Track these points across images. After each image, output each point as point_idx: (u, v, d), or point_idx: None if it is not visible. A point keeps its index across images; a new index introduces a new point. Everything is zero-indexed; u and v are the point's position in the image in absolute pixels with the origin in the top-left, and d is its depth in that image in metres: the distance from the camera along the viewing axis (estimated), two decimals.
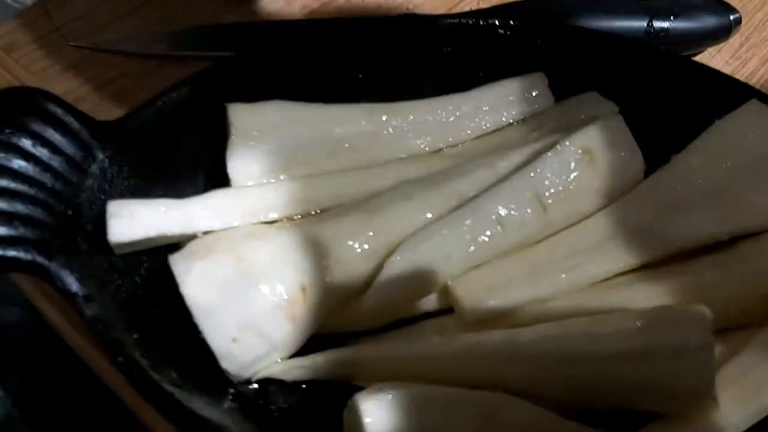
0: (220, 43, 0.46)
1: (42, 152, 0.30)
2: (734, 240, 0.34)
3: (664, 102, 0.38)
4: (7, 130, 0.29)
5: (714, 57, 0.49)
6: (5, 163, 0.28)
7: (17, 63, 0.45)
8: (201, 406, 0.27)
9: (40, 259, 0.27)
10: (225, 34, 0.47)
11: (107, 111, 0.43)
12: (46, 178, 0.29)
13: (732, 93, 0.36)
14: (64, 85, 0.44)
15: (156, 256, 0.32)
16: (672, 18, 0.45)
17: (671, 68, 0.38)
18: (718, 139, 0.34)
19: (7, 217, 0.27)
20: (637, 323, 0.29)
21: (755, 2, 0.53)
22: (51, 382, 0.43)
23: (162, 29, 0.47)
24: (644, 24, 0.45)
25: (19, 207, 0.28)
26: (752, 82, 0.48)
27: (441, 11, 0.49)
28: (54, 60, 0.46)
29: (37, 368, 0.44)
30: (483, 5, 0.50)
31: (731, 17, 0.46)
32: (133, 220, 0.30)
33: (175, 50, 0.46)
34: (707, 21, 0.46)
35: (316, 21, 0.48)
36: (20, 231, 0.27)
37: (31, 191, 0.29)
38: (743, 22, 0.50)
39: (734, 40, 0.49)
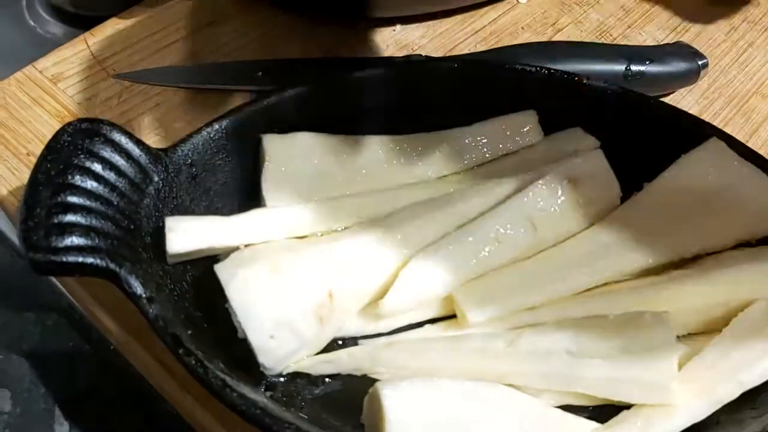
0: (244, 77, 0.51)
1: (110, 175, 0.34)
2: (698, 257, 0.39)
3: (638, 138, 0.43)
4: (82, 156, 0.34)
5: (684, 97, 0.55)
6: (81, 184, 0.33)
7: (64, 93, 0.50)
8: (248, 391, 0.32)
9: (112, 265, 0.32)
10: (249, 70, 0.52)
11: (146, 137, 0.48)
12: (114, 197, 0.34)
13: (696, 131, 0.42)
14: (106, 113, 0.49)
15: (198, 266, 0.37)
16: (647, 63, 0.51)
17: (645, 109, 0.43)
18: (683, 171, 0.40)
19: (85, 230, 0.32)
20: (615, 325, 0.34)
21: (722, 48, 0.58)
22: (91, 381, 0.47)
23: (192, 64, 0.53)
24: (623, 68, 0.50)
25: (93, 221, 0.32)
26: (719, 119, 0.54)
27: (441, 53, 0.55)
28: (96, 90, 0.50)
29: (77, 369, 0.48)
30: (479, 48, 0.56)
31: (699, 62, 0.52)
32: (187, 234, 0.35)
33: (204, 83, 0.51)
34: (678, 65, 0.51)
35: (332, 59, 0.53)
36: (95, 241, 0.32)
37: (102, 208, 0.33)
38: (711, 65, 0.56)
39: (703, 81, 0.55)
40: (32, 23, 0.68)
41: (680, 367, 0.35)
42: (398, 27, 0.57)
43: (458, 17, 0.58)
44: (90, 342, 0.47)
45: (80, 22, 0.65)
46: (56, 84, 0.50)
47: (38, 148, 0.46)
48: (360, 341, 0.38)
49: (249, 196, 0.40)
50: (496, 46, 0.56)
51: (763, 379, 0.34)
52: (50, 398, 0.47)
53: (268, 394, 0.35)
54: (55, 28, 0.67)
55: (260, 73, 0.51)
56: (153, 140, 0.48)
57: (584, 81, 0.44)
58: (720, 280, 0.37)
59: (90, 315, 0.42)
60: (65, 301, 0.48)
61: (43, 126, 0.48)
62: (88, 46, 0.53)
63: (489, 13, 0.59)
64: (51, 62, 0.52)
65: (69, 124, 0.35)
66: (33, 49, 0.65)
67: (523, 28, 0.58)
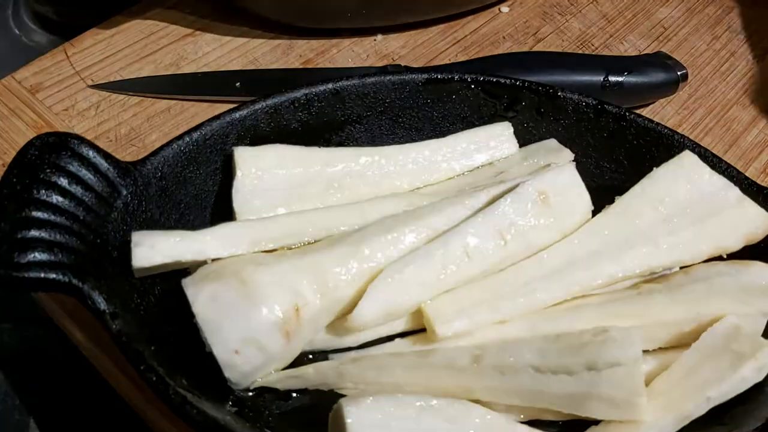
0: (223, 88, 0.51)
1: (76, 189, 0.34)
2: (669, 271, 0.39)
3: (612, 150, 0.43)
4: (48, 171, 0.34)
5: (665, 107, 0.55)
6: (46, 198, 0.33)
7: (42, 103, 0.50)
8: (210, 408, 0.32)
9: (75, 281, 0.32)
10: (228, 80, 0.52)
11: (122, 148, 0.49)
12: (80, 212, 0.34)
13: (669, 144, 0.42)
14: (83, 124, 0.49)
15: (168, 280, 0.37)
16: (626, 73, 0.50)
17: (619, 120, 0.43)
18: (655, 184, 0.39)
19: (48, 245, 0.32)
20: (580, 341, 0.34)
21: (704, 58, 0.58)
22: (66, 392, 0.47)
23: (172, 74, 0.53)
24: (601, 78, 0.50)
25: (57, 236, 0.32)
26: (699, 129, 0.54)
27: (421, 63, 0.55)
28: (74, 101, 0.50)
29: (53, 380, 0.48)
30: (461, 57, 0.56)
31: (678, 73, 0.52)
32: (153, 249, 0.34)
33: (182, 94, 0.51)
34: (657, 76, 0.51)
35: (310, 70, 0.53)
36: (59, 257, 0.32)
37: (68, 223, 0.33)
38: (692, 75, 0.56)
39: (683, 91, 0.55)
40: (17, 32, 0.68)
41: (648, 382, 0.35)
42: (379, 37, 0.57)
43: (440, 27, 0.58)
44: (66, 353, 0.47)
45: (64, 31, 0.65)
46: (34, 94, 0.50)
47: None
48: (330, 355, 0.37)
49: (221, 209, 0.40)
50: (477, 56, 0.56)
51: (731, 395, 0.34)
52: (25, 410, 0.46)
53: (235, 409, 0.35)
54: (40, 36, 0.67)
55: (239, 83, 0.51)
56: (129, 151, 0.48)
57: (559, 93, 0.44)
58: (690, 294, 0.37)
59: (62, 327, 0.42)
60: (42, 312, 0.48)
61: (19, 137, 0.48)
62: (67, 57, 0.53)
63: (470, 23, 0.59)
64: (30, 72, 0.52)
65: (36, 137, 0.35)
66: (17, 58, 0.65)
67: (504, 37, 0.58)
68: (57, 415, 0.46)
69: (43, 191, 0.33)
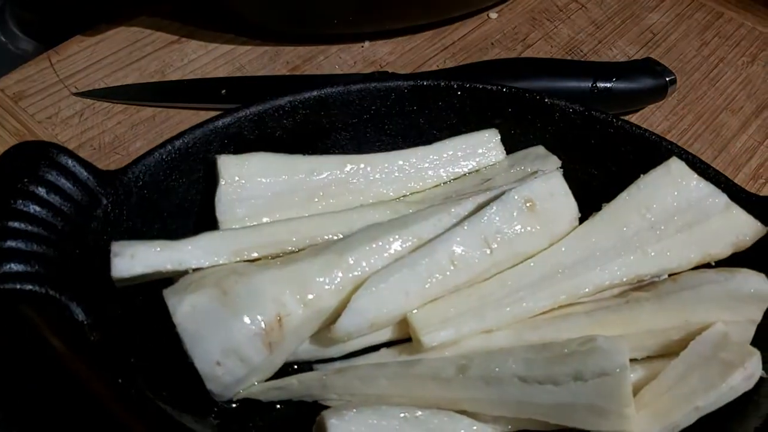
0: (209, 95, 0.51)
1: (54, 199, 0.34)
2: (656, 279, 0.38)
3: (600, 157, 0.42)
4: (25, 180, 0.33)
5: (654, 113, 0.54)
6: (23, 208, 0.33)
7: (25, 111, 0.49)
8: (189, 421, 0.31)
9: (52, 292, 0.31)
10: (214, 88, 0.52)
11: (106, 156, 0.48)
12: (58, 222, 0.33)
13: (657, 151, 0.41)
14: (67, 132, 0.49)
15: (149, 290, 0.37)
16: (614, 79, 0.50)
17: (606, 127, 0.43)
18: (642, 191, 0.39)
19: (24, 256, 0.31)
20: (566, 351, 0.34)
21: (693, 63, 0.58)
22: (49, 404, 0.46)
23: (156, 82, 0.52)
24: (589, 84, 0.50)
25: (34, 247, 0.32)
26: (687, 135, 0.54)
27: (409, 69, 0.55)
28: (58, 109, 0.50)
29: (36, 392, 0.47)
30: (449, 64, 0.56)
31: (667, 79, 0.52)
32: (133, 259, 0.34)
33: (167, 101, 0.51)
34: (645, 82, 0.51)
35: (297, 77, 0.53)
36: (36, 268, 0.31)
37: (45, 233, 0.33)
38: (681, 81, 0.56)
39: (672, 97, 0.55)
40: (3, 39, 0.67)
41: (636, 391, 0.34)
42: (366, 43, 0.56)
43: (428, 33, 0.58)
44: (47, 364, 0.47)
45: (51, 39, 0.65)
46: (17, 102, 0.50)
47: None
48: (314, 366, 0.37)
49: (204, 218, 0.40)
50: (465, 62, 0.55)
51: (720, 405, 0.34)
52: (6, 421, 0.46)
53: (217, 421, 0.34)
54: (26, 44, 0.67)
55: (224, 91, 0.51)
56: (113, 159, 0.47)
57: (546, 99, 0.43)
58: (678, 302, 0.36)
59: (42, 338, 0.41)
60: (23, 323, 0.47)
61: (1, 145, 0.48)
62: (51, 64, 0.52)
63: (459, 29, 0.59)
64: (13, 80, 0.51)
65: (14, 147, 0.35)
66: (2, 65, 0.65)
67: (493, 43, 0.58)
68: (39, 426, 0.45)
69: (20, 201, 0.33)
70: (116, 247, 0.34)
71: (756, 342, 0.36)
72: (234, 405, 0.35)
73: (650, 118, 0.54)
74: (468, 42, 0.58)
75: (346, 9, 0.53)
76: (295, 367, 0.37)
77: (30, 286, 0.31)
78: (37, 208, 0.33)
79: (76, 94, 0.51)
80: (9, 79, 0.52)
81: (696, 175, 0.39)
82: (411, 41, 0.57)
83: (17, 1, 0.66)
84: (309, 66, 0.54)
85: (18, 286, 0.31)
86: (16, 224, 0.32)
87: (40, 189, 0.34)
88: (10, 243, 0.31)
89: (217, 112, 0.41)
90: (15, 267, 0.31)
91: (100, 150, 0.48)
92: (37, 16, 0.66)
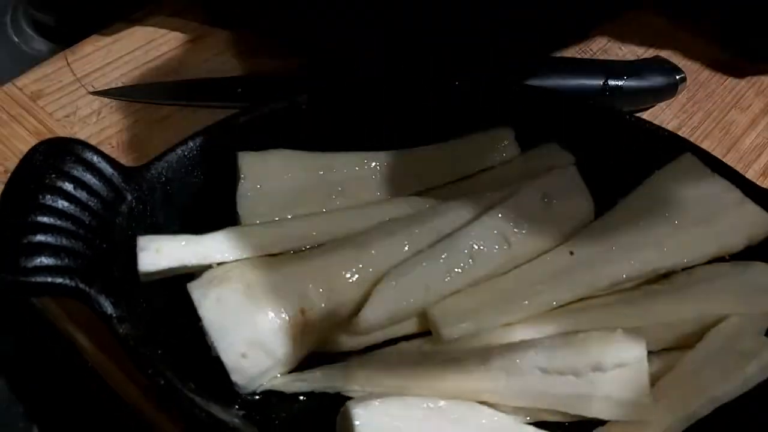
0: (225, 94, 0.52)
1: (81, 194, 0.34)
2: (672, 272, 0.39)
3: (614, 153, 0.43)
4: (53, 176, 0.34)
5: (664, 111, 0.55)
6: (52, 204, 0.33)
7: (43, 110, 0.50)
8: (217, 411, 0.32)
9: (82, 285, 0.32)
10: (229, 86, 0.52)
11: (124, 154, 0.49)
12: (85, 217, 0.34)
13: (671, 146, 0.42)
14: (85, 130, 0.49)
15: (173, 284, 0.37)
16: (625, 78, 0.51)
17: (620, 124, 0.43)
18: (657, 186, 0.40)
19: (55, 250, 0.32)
20: (586, 342, 0.34)
21: (701, 62, 0.59)
22: (70, 399, 0.47)
23: (173, 80, 0.53)
24: (600, 83, 0.50)
25: (64, 241, 0.32)
26: (697, 133, 0.54)
27: None
28: (75, 107, 0.50)
29: (56, 387, 0.48)
30: None
31: (677, 77, 0.52)
32: (159, 253, 0.35)
33: (184, 100, 0.51)
34: (656, 80, 0.52)
35: (311, 75, 0.53)
36: (66, 262, 0.32)
37: (73, 228, 0.33)
38: (690, 79, 0.56)
39: (682, 95, 0.55)
40: (16, 39, 0.68)
41: (653, 383, 0.35)
42: None
43: None
44: (68, 360, 0.47)
45: (64, 38, 0.65)
46: (35, 101, 0.50)
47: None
48: (334, 358, 0.37)
49: (225, 214, 0.40)
50: None
51: (736, 395, 0.34)
52: (29, 417, 0.46)
53: (242, 413, 0.35)
54: (39, 44, 0.67)
55: (240, 89, 0.51)
56: (131, 157, 0.48)
57: (559, 97, 0.44)
58: (693, 295, 0.37)
59: (66, 333, 0.42)
60: (44, 319, 0.47)
61: (21, 143, 0.48)
62: (68, 63, 0.53)
63: None
64: (31, 79, 0.52)
65: (41, 143, 0.35)
66: (16, 65, 0.65)
67: None
68: (61, 422, 0.46)
69: (49, 196, 0.33)
70: (142, 241, 0.35)
71: None
72: (257, 397, 0.36)
73: (660, 116, 0.54)
74: None
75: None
76: (317, 360, 0.37)
77: (60, 279, 0.31)
78: (65, 203, 0.34)
79: (94, 93, 0.51)
80: (26, 78, 0.52)
81: (710, 170, 0.40)
82: None
83: (30, 1, 0.66)
84: (323, 65, 0.55)
85: (49, 279, 0.31)
86: (45, 219, 0.33)
87: (67, 184, 0.34)
88: (40, 237, 0.32)
89: (234, 111, 0.42)
90: (46, 260, 0.31)
91: (118, 148, 0.48)
92: (51, 16, 0.66)
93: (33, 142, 0.48)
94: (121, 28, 0.55)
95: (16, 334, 0.48)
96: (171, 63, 0.54)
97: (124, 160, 0.48)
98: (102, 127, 0.49)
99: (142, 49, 0.54)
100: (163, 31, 0.55)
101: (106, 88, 0.52)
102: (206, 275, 0.35)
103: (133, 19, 0.56)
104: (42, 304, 0.43)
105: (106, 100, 0.51)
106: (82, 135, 0.49)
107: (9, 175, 0.46)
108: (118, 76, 0.53)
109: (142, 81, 0.52)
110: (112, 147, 0.49)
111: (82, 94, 0.51)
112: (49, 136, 0.48)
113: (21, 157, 0.47)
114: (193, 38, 0.55)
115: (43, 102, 0.51)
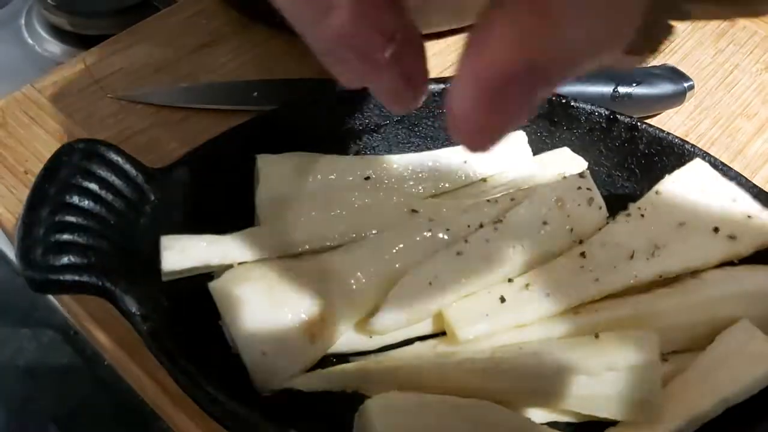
0: (241, 98, 0.52)
1: (107, 195, 0.35)
2: (682, 276, 0.40)
3: (625, 159, 0.44)
4: (79, 176, 0.35)
5: (672, 118, 0.56)
6: (79, 203, 0.34)
7: (62, 112, 0.51)
8: (237, 407, 0.32)
9: (107, 284, 0.33)
10: (245, 90, 0.53)
11: (142, 156, 0.48)
12: (110, 217, 0.35)
13: (680, 153, 0.43)
14: (103, 133, 0.50)
15: (193, 283, 0.38)
16: (634, 85, 0.52)
17: (631, 130, 0.44)
18: (667, 191, 0.40)
19: (81, 249, 0.33)
20: (598, 345, 0.35)
21: (709, 70, 0.60)
22: (85, 396, 0.48)
23: (189, 84, 0.54)
24: (611, 90, 0.51)
25: (90, 240, 0.33)
26: (704, 139, 0.55)
27: (434, 74, 0.56)
28: (93, 110, 0.51)
29: (72, 384, 0.48)
30: None
31: (685, 84, 0.53)
32: (183, 253, 0.35)
33: (200, 103, 0.52)
34: (665, 87, 0.53)
35: (326, 80, 0.54)
36: (92, 260, 0.33)
37: (99, 227, 0.34)
38: (697, 87, 0.57)
39: (689, 103, 0.56)
40: (31, 42, 0.69)
41: (664, 384, 0.35)
42: None
43: (450, 39, 0.59)
44: (84, 358, 0.48)
45: (79, 41, 0.66)
46: (54, 103, 0.51)
47: (36, 167, 0.47)
48: (351, 358, 0.38)
49: (244, 215, 0.41)
50: None
51: (747, 397, 0.35)
52: (44, 414, 0.47)
53: (260, 410, 0.35)
54: (54, 47, 0.68)
55: (256, 93, 0.52)
56: (149, 159, 0.48)
57: (572, 103, 0.45)
58: (704, 298, 0.38)
59: (85, 331, 0.42)
60: (61, 318, 0.48)
61: (40, 145, 0.49)
62: (86, 66, 0.54)
63: None
64: (49, 82, 0.53)
65: (67, 144, 0.36)
66: (32, 68, 0.66)
67: None
68: (76, 418, 0.47)
69: (75, 196, 0.34)
70: (166, 241, 0.36)
71: None
72: (276, 395, 0.36)
73: (668, 123, 0.55)
74: None
75: None
76: (333, 359, 0.38)
77: (87, 278, 0.32)
78: (91, 203, 0.35)
79: (112, 96, 0.52)
80: (45, 80, 0.53)
81: (719, 175, 0.41)
82: (433, 47, 0.59)
83: (45, 5, 0.67)
84: None
85: (76, 278, 0.32)
86: (72, 218, 0.34)
87: (92, 185, 0.35)
88: (67, 236, 0.33)
89: (250, 114, 0.43)
90: (73, 259, 0.32)
91: (137, 150, 0.49)
92: (66, 19, 0.67)
93: (52, 143, 0.49)
94: (138, 32, 0.56)
95: (34, 331, 0.49)
96: (188, 67, 0.54)
97: (143, 161, 0.48)
98: (120, 129, 0.50)
99: (158, 52, 0.55)
100: (179, 34, 0.56)
101: (124, 91, 0.52)
102: (227, 275, 0.36)
103: (150, 22, 0.57)
104: (61, 301, 0.44)
105: (124, 102, 0.52)
106: (100, 137, 0.49)
107: (29, 175, 0.47)
108: (135, 78, 0.53)
109: (159, 84, 0.53)
110: (130, 150, 0.49)
111: (100, 97, 0.52)
112: (67, 138, 0.49)
113: (40, 157, 0.48)
114: (209, 42, 0.56)
115: (61, 104, 0.51)
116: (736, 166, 0.52)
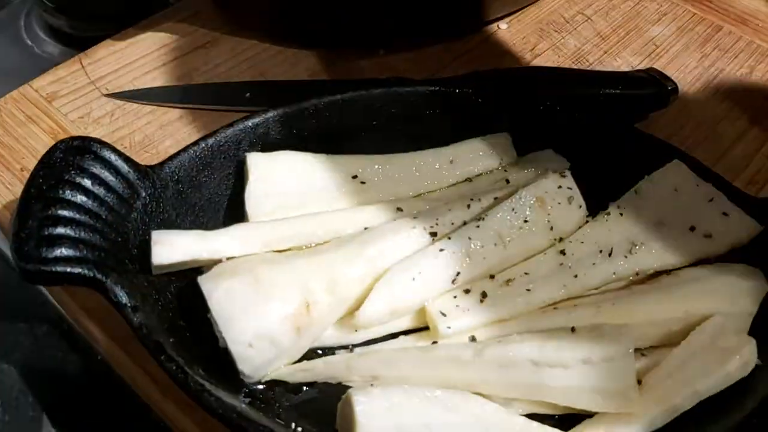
0: (234, 98, 0.54)
1: (99, 190, 0.36)
2: (659, 273, 0.41)
3: (607, 159, 0.45)
4: (73, 172, 0.36)
5: (656, 120, 0.57)
6: (71, 198, 0.35)
7: (58, 111, 0.52)
8: (225, 396, 0.33)
9: (99, 275, 0.34)
10: (238, 91, 0.54)
11: (136, 154, 0.50)
12: (102, 211, 0.36)
13: (660, 153, 0.44)
14: (99, 131, 0.51)
15: (182, 277, 0.39)
16: (620, 88, 0.53)
17: (613, 132, 0.45)
18: (647, 191, 0.42)
19: (74, 242, 0.34)
20: (576, 337, 0.36)
21: (694, 74, 0.61)
22: (78, 388, 0.49)
23: (184, 84, 0.55)
24: (595, 92, 0.52)
25: (82, 233, 0.34)
26: (688, 142, 0.56)
27: (424, 76, 0.57)
28: (89, 109, 0.52)
29: (66, 377, 0.49)
30: (462, 72, 0.58)
31: (669, 88, 0.54)
32: (172, 247, 0.36)
33: (194, 103, 0.53)
34: (649, 91, 0.54)
35: (318, 81, 0.56)
36: (84, 253, 0.34)
37: (91, 221, 0.35)
38: (682, 91, 0.58)
39: (674, 106, 0.57)
40: (29, 43, 0.70)
41: (640, 378, 0.36)
42: (382, 53, 0.59)
43: (441, 44, 0.60)
44: (78, 351, 0.49)
45: (76, 42, 0.67)
46: (51, 102, 0.52)
47: (32, 164, 0.48)
48: (336, 351, 0.39)
49: (233, 212, 0.42)
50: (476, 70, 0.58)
51: (718, 389, 0.36)
52: (38, 406, 0.48)
53: (247, 400, 0.36)
54: (52, 48, 0.69)
55: (248, 94, 0.53)
56: (143, 157, 0.50)
57: (555, 106, 0.46)
58: (679, 295, 0.39)
59: (77, 324, 0.43)
60: (55, 312, 0.49)
61: (37, 143, 0.50)
62: (82, 66, 0.55)
63: (471, 39, 0.61)
64: (46, 81, 0.54)
65: (61, 141, 0.37)
66: (30, 68, 0.67)
67: (503, 53, 0.60)
68: (70, 411, 0.48)
69: (68, 191, 0.35)
70: (156, 235, 0.37)
71: (752, 332, 0.38)
72: (261, 386, 0.37)
73: (652, 126, 0.56)
74: (480, 52, 0.60)
75: (363, 20, 0.56)
76: (320, 352, 0.39)
77: (79, 270, 0.33)
78: (84, 198, 0.36)
79: (107, 95, 0.53)
80: (42, 80, 0.54)
81: (697, 177, 0.42)
82: (425, 52, 0.60)
83: (44, 7, 0.68)
84: (328, 72, 0.57)
85: (68, 269, 0.33)
86: (65, 212, 0.35)
87: (85, 180, 0.36)
88: (60, 229, 0.34)
89: (242, 115, 0.44)
90: (65, 251, 0.33)
91: (131, 148, 0.50)
92: (64, 21, 0.68)
93: (48, 141, 0.50)
94: (133, 34, 0.57)
95: (27, 324, 0.50)
96: (182, 68, 0.56)
97: (137, 159, 0.49)
98: (115, 128, 0.51)
99: (154, 53, 0.56)
100: (174, 37, 0.57)
101: (120, 90, 0.53)
102: (216, 269, 0.37)
103: (146, 24, 0.58)
104: (54, 294, 0.45)
105: (119, 102, 0.53)
106: (95, 135, 0.50)
107: (25, 172, 0.49)
108: (131, 79, 0.54)
109: (154, 84, 0.54)
110: (124, 147, 0.50)
111: (96, 96, 0.53)
112: (63, 136, 0.50)
113: (36, 155, 0.49)
114: (203, 44, 0.57)
115: (58, 103, 0.52)
116: (719, 169, 0.53)
